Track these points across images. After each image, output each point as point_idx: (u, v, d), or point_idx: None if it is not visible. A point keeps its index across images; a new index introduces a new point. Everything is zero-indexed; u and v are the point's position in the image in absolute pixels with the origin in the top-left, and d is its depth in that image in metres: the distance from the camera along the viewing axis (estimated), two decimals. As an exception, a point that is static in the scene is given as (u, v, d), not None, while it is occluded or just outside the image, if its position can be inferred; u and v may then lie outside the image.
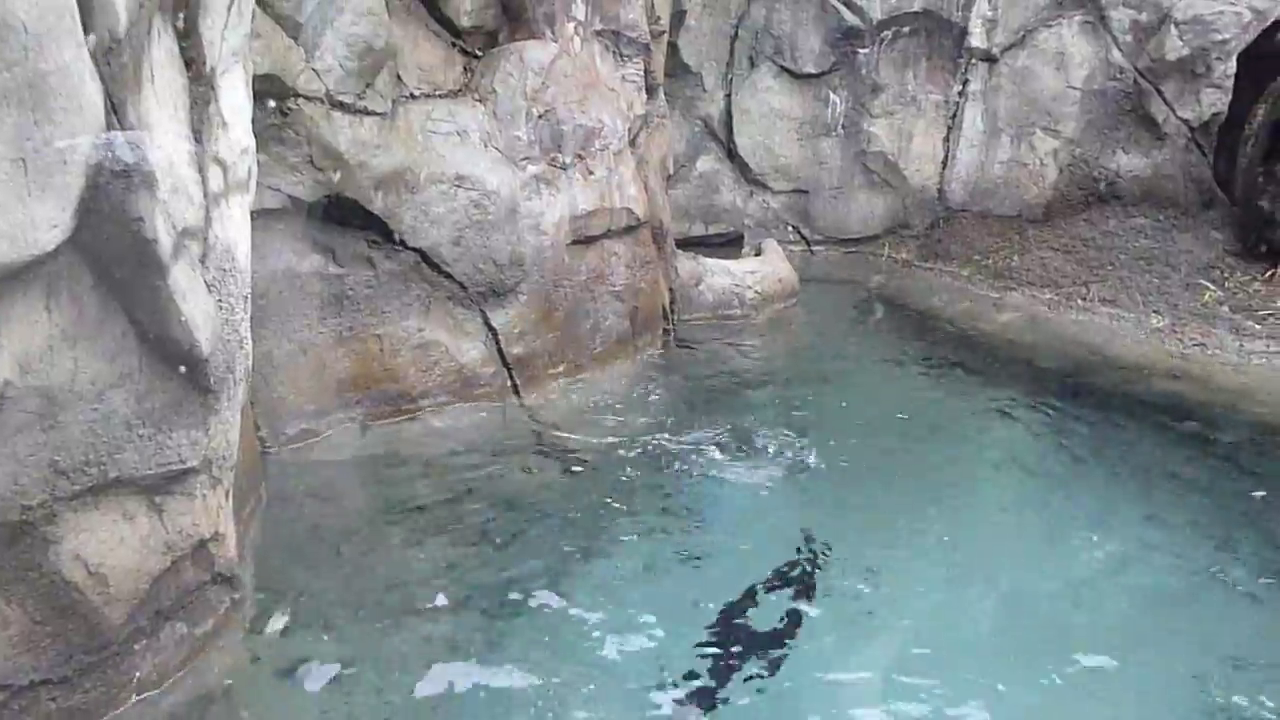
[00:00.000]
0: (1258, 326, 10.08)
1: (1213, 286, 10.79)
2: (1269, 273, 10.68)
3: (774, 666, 5.43)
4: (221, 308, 4.99)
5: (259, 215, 6.48)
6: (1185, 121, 11.88)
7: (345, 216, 7.60)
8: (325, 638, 5.46)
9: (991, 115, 13.09)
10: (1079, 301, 11.27)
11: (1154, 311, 10.73)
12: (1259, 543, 6.77)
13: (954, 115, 13.32)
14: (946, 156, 13.43)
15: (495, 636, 5.55)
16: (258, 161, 5.97)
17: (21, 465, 4.10)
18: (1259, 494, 7.41)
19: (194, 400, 4.78)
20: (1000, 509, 7.40)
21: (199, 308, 4.65)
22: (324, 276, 7.60)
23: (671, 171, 11.79)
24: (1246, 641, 5.72)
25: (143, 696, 4.78)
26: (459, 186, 8.01)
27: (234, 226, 5.28)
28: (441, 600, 5.83)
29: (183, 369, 4.66)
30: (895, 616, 5.90)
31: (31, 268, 3.92)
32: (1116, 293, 11.16)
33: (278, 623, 5.53)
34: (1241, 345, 9.94)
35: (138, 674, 4.79)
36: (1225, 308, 10.44)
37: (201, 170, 4.87)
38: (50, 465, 4.21)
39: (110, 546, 4.52)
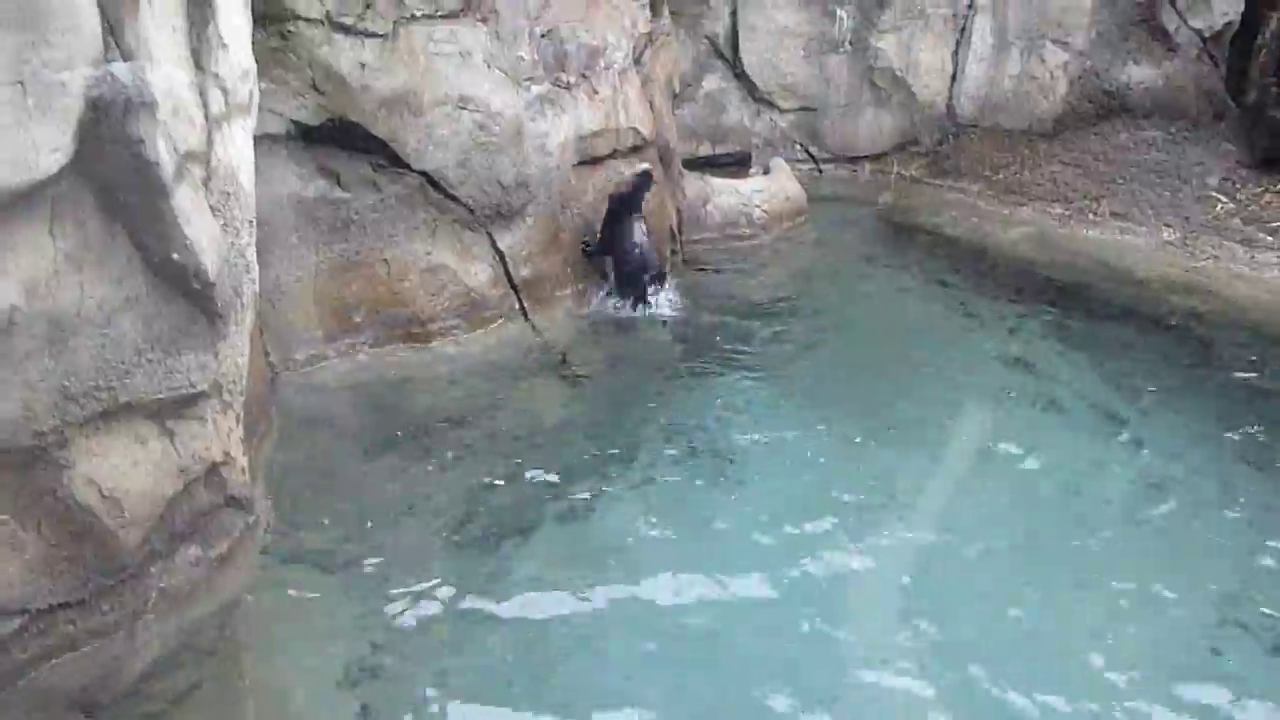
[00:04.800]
0: (1269, 238, 10.00)
1: (1224, 198, 10.69)
2: (1281, 184, 10.59)
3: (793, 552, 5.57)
4: (226, 231, 4.98)
5: (262, 140, 6.45)
6: (1197, 31, 11.73)
7: (349, 140, 7.54)
8: (339, 558, 5.51)
9: (1000, 28, 12.89)
10: (1089, 216, 11.17)
11: (1165, 225, 10.64)
12: (1263, 451, 6.83)
13: (962, 29, 13.11)
14: (955, 71, 13.24)
15: (507, 553, 5.61)
16: (259, 86, 5.93)
17: (32, 391, 4.13)
18: (1267, 403, 7.45)
19: (201, 324, 4.79)
20: (1008, 414, 7.45)
21: (204, 231, 4.64)
22: (329, 201, 7.57)
23: (677, 91, 11.65)
24: (1242, 545, 5.85)
25: (160, 618, 4.84)
26: (463, 108, 7.94)
27: (236, 150, 5.26)
28: (450, 523, 5.89)
29: (189, 293, 4.66)
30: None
31: (34, 192, 3.93)
32: (1127, 206, 11.06)
33: (289, 545, 5.59)
34: (1253, 257, 9.87)
35: (154, 596, 4.84)
36: (1237, 220, 10.35)
37: (202, 93, 4.85)
38: (60, 390, 4.23)
39: (123, 470, 4.56)
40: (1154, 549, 5.84)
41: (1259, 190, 10.67)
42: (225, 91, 5.13)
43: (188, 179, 4.57)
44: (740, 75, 13.54)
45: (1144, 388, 7.70)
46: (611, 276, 8.99)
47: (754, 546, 5.78)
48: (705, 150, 13.35)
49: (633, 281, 8.83)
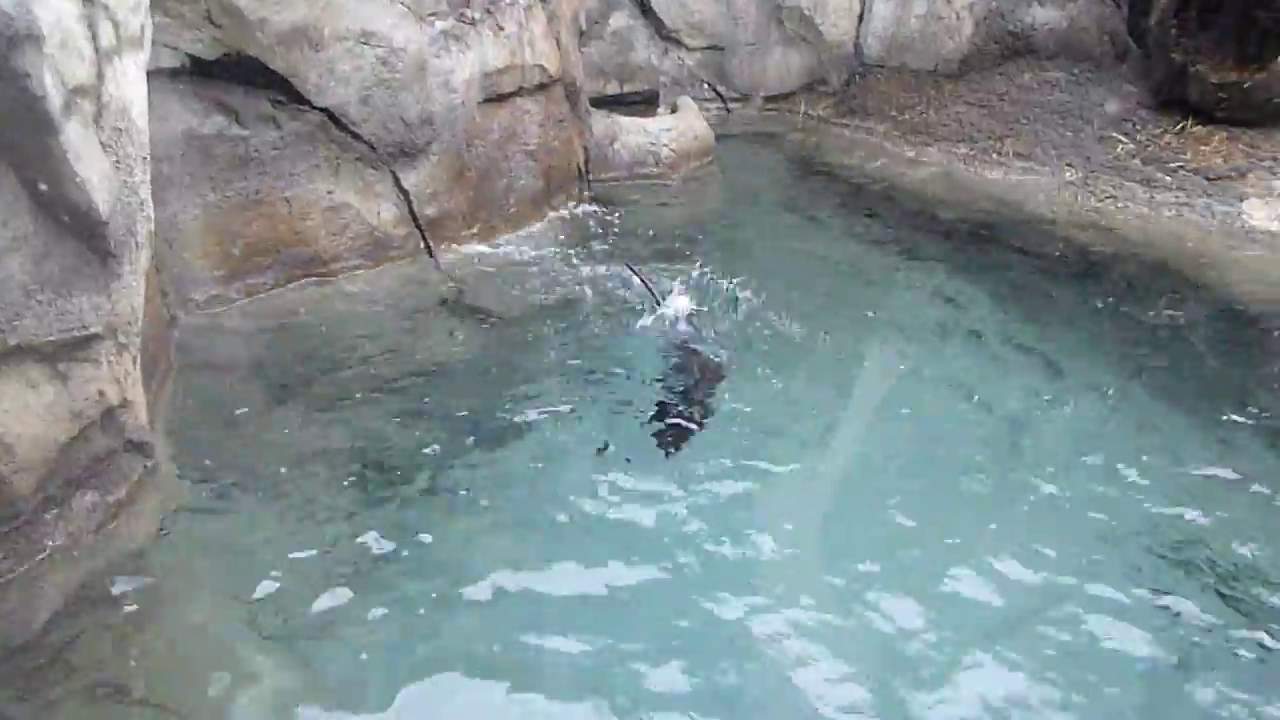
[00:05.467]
0: (1168, 179, 10.18)
1: (1125, 139, 10.85)
2: (1180, 125, 10.74)
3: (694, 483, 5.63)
4: (119, 169, 4.84)
5: (156, 75, 6.27)
6: (1100, -28, 11.83)
7: (247, 76, 7.37)
8: (241, 503, 5.43)
9: (908, -32, 12.92)
10: (994, 156, 11.30)
11: (1067, 165, 10.80)
12: (1155, 378, 7.06)
13: (870, -32, 13.14)
14: (863, 11, 13.23)
15: (411, 495, 5.57)
16: (152, 19, 5.74)
17: (-85, 334, 4.00)
18: (1161, 333, 7.70)
19: (94, 264, 4.66)
20: (910, 341, 7.58)
21: (95, 168, 4.50)
22: (227, 138, 7.40)
23: (584, 28, 11.54)
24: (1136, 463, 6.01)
25: (57, 566, 4.74)
26: (365, 44, 7.77)
27: (129, 85, 5.10)
28: (355, 463, 5.82)
29: (80, 232, 4.52)
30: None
31: (-87, 127, 3.77)
32: (1031, 147, 11.20)
33: (190, 489, 5.49)
34: (1152, 197, 10.05)
35: (51, 543, 4.75)
36: (1137, 160, 10.51)
37: (91, 25, 4.68)
38: (-53, 333, 4.10)
39: (14, 415, 4.44)
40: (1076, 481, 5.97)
41: (1158, 131, 10.83)
42: (116, 24, 4.96)
43: (77, 114, 4.42)
44: (648, 12, 13.43)
45: (1048, 322, 7.84)
46: None
47: (649, 475, 5.83)
48: (613, 89, 13.25)
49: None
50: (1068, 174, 10.68)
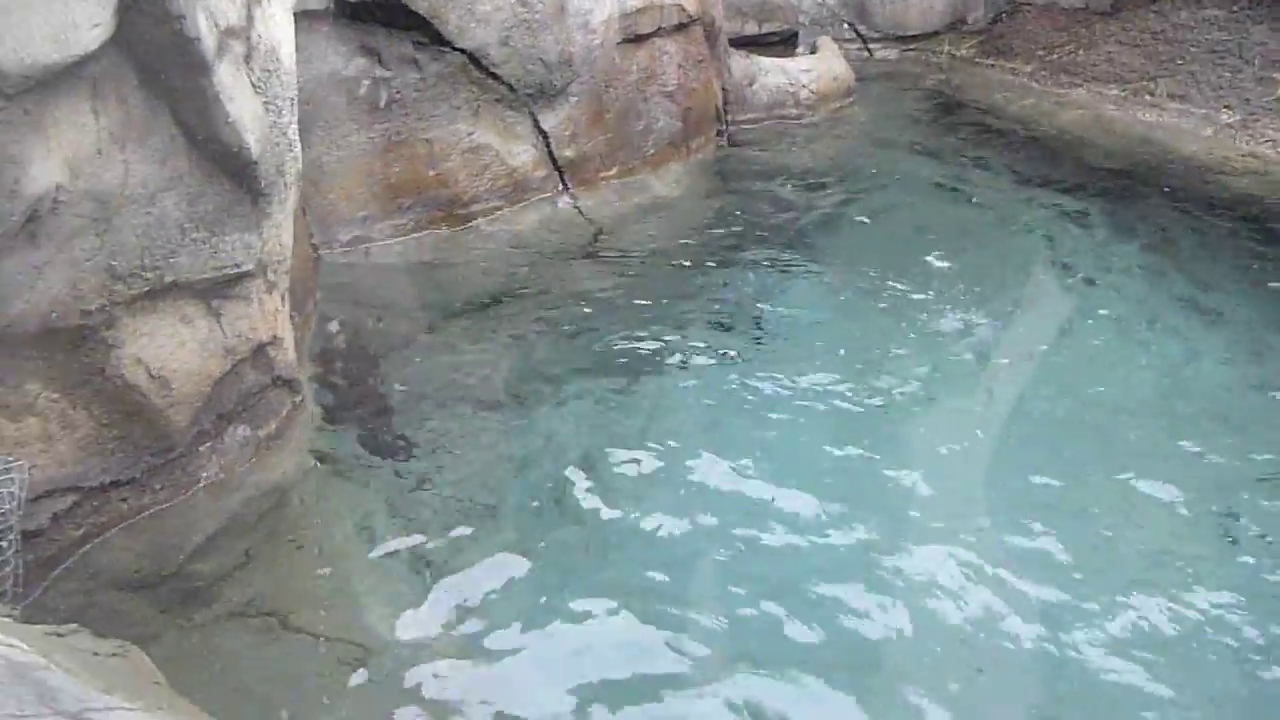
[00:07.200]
0: (1332, 121, 9.74)
1: (1287, 79, 10.40)
2: (1347, 64, 10.26)
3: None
4: (269, 110, 4.93)
5: (302, 18, 6.36)
6: (1265, -97, 11.27)
7: (390, 18, 7.44)
8: (380, 438, 5.55)
9: (1059, -100, 12.49)
10: (1146, 98, 10.89)
11: (1225, 107, 10.35)
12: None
13: (1020, -99, 12.73)
14: (1011, -54, 12.89)
15: (552, 436, 5.62)
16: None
17: (79, 270, 4.13)
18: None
19: (245, 204, 4.76)
20: (1054, 299, 7.33)
21: (246, 109, 4.59)
22: (370, 80, 7.49)
23: (724, -33, 11.42)
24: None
25: (210, 497, 4.90)
26: (505, -16, 7.80)
27: (277, 27, 5.18)
28: (502, 400, 5.90)
29: (233, 172, 4.63)
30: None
31: (76, 69, 3.88)
32: (1186, 88, 10.76)
33: (336, 424, 5.63)
34: (1315, 140, 9.61)
35: (204, 475, 4.91)
36: (1299, 102, 10.07)
37: (241, -33, 4.75)
38: (107, 270, 4.23)
39: (170, 350, 4.58)
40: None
41: (1323, 71, 10.36)
42: (265, -34, 5.05)
43: (228, 56, 4.51)
44: (788, -50, 13.21)
45: (1205, 274, 7.54)
46: None
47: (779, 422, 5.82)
48: (751, 29, 13.08)
49: None
50: (1225, 116, 10.23)
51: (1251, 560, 4.82)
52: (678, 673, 4.20)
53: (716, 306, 7.05)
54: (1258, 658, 4.31)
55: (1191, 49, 11.23)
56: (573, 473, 5.31)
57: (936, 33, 13.33)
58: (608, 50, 8.58)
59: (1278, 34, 10.97)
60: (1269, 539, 4.94)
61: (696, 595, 4.58)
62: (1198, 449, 5.60)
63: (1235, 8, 11.48)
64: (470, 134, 7.98)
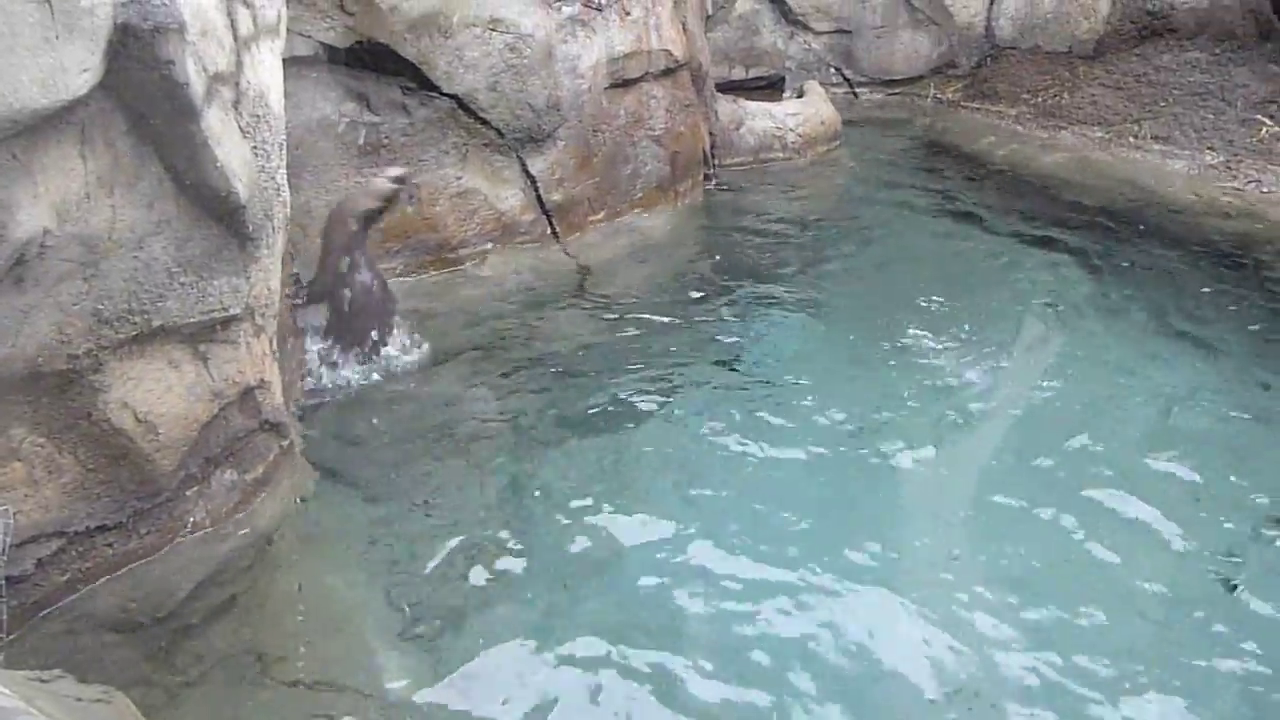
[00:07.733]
0: (1315, 162, 9.83)
1: (1269, 121, 10.48)
2: (1328, 106, 10.37)
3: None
4: (257, 154, 4.93)
5: (291, 63, 6.39)
6: (1243, -51, 11.41)
7: (378, 63, 7.49)
8: (377, 482, 5.53)
9: (1041, -53, 12.63)
10: (1130, 139, 10.99)
11: (1208, 148, 10.46)
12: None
13: (1002, -52, 12.87)
14: (995, -9, 13.02)
15: (540, 479, 5.60)
16: (287, 7, 5.85)
17: (66, 314, 4.12)
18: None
19: (233, 247, 4.76)
20: (1044, 343, 7.36)
21: (234, 153, 4.60)
22: (359, 124, 7.53)
23: (710, 12, 11.53)
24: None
25: (198, 541, 4.87)
26: (493, 30, 7.84)
27: (266, 72, 5.20)
28: (495, 445, 5.89)
29: (221, 216, 4.63)
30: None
31: (64, 113, 3.89)
32: (1169, 130, 10.87)
33: (324, 469, 5.61)
34: (1298, 182, 9.70)
35: (191, 519, 4.87)
36: (1281, 143, 10.17)
37: (230, 14, 4.78)
38: (94, 314, 4.22)
39: (158, 394, 4.56)
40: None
41: (1305, 113, 10.46)
42: (254, 12, 5.06)
43: (217, 101, 4.52)
44: (774, -4, 13.35)
45: (1191, 312, 7.59)
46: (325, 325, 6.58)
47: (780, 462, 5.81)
48: (738, 73, 13.23)
49: (361, 328, 6.60)
50: (1209, 158, 10.33)
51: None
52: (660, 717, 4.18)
53: (704, 351, 7.05)
54: (1259, 689, 4.30)
55: (1174, 91, 11.35)
56: (562, 516, 5.28)
57: (921, 77, 13.47)
58: (595, 95, 8.64)
59: (1259, 76, 11.10)
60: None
61: (682, 641, 4.54)
62: (1201, 481, 5.63)
63: (1217, 50, 11.61)
64: (459, 178, 8.00)
